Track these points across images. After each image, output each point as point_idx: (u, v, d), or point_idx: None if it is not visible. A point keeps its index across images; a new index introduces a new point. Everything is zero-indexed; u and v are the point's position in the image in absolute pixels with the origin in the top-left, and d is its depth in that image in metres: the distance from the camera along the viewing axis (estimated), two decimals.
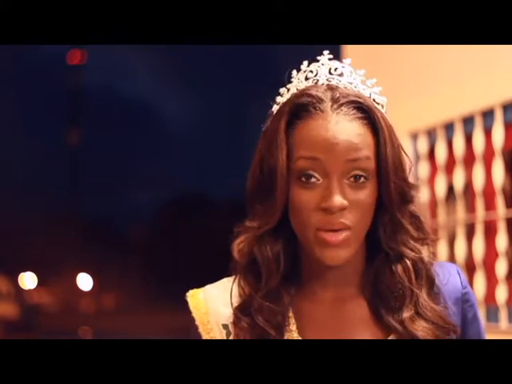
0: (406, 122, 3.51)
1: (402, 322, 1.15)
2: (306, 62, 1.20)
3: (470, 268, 3.27)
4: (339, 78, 1.18)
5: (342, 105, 1.14)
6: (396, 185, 1.15)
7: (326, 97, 1.15)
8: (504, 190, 3.10)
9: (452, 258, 3.36)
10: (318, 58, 1.20)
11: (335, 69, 1.18)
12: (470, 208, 3.33)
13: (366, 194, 1.13)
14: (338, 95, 1.15)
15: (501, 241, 3.07)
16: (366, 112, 1.15)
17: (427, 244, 1.20)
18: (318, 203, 1.12)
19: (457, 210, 3.38)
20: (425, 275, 1.18)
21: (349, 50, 3.69)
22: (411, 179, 1.19)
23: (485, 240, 3.20)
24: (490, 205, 3.19)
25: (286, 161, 1.14)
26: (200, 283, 1.29)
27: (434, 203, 3.48)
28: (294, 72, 1.21)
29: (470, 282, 3.21)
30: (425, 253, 1.19)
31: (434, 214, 3.47)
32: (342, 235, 1.12)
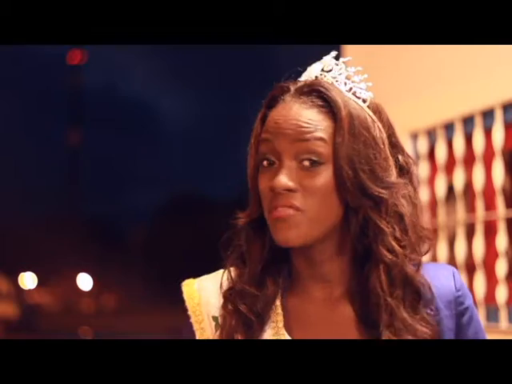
0: (405, 122, 3.51)
1: (379, 334, 1.13)
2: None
3: (469, 268, 3.27)
4: (326, 73, 1.20)
5: (303, 93, 1.17)
6: (349, 175, 1.12)
7: (294, 87, 1.18)
8: (504, 190, 3.10)
9: (452, 258, 3.36)
10: (324, 57, 1.22)
11: (327, 66, 1.20)
12: (470, 208, 3.33)
13: (320, 180, 1.12)
14: (302, 85, 1.18)
15: (501, 241, 3.07)
16: (327, 102, 1.16)
17: (414, 249, 1.15)
18: (268, 185, 1.14)
19: (457, 210, 3.38)
20: (402, 283, 1.14)
21: (349, 49, 3.69)
22: (392, 180, 1.15)
23: (485, 240, 3.20)
24: (490, 205, 3.19)
25: (255, 149, 1.18)
26: None
27: (434, 203, 3.48)
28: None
29: (470, 282, 3.21)
30: (414, 257, 1.15)
31: (434, 214, 3.48)
32: (290, 212, 1.12)
